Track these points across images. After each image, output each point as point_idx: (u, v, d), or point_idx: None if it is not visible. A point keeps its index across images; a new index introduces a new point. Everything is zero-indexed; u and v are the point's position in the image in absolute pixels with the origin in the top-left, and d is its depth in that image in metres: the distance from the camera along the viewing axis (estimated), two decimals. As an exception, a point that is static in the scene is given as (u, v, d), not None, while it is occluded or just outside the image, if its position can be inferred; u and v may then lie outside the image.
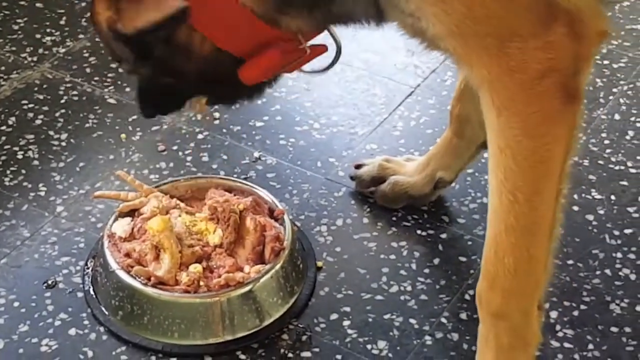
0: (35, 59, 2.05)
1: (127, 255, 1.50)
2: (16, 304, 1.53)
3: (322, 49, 1.39)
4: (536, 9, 1.12)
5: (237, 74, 1.33)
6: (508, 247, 1.23)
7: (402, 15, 1.19)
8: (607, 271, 1.53)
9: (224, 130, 1.85)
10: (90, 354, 1.45)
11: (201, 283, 1.46)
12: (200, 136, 1.84)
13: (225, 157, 1.79)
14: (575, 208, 1.63)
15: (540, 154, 1.18)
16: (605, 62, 1.95)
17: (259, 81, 1.38)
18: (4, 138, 1.85)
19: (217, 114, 1.88)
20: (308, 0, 1.27)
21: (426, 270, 1.55)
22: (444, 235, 1.61)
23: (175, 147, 1.82)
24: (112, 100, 1.94)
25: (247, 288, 1.46)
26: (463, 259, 1.57)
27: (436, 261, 1.57)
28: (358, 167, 1.72)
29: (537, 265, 1.25)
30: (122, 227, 1.54)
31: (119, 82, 1.98)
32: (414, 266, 1.56)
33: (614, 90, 1.89)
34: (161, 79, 1.38)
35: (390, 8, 1.21)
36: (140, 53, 1.31)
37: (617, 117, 1.82)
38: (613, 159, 1.74)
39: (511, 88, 1.15)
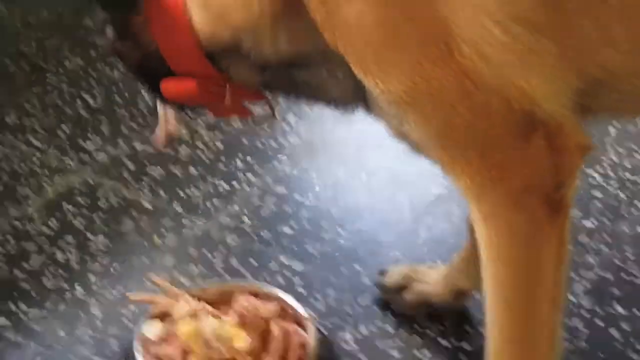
0: (77, 163, 2.16)
1: (158, 358, 1.55)
2: (49, 404, 1.59)
3: (246, 112, 1.44)
4: (514, 121, 1.14)
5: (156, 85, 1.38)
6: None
7: (387, 116, 1.22)
8: (630, 385, 1.56)
9: (253, 236, 1.92)
10: None
11: (227, 388, 1.51)
12: (230, 241, 1.91)
13: (253, 261, 1.86)
14: (600, 322, 1.66)
15: (530, 264, 1.20)
16: (629, 175, 2.00)
17: (173, 100, 1.41)
18: (44, 239, 1.94)
19: (246, 219, 1.96)
20: (260, 57, 1.27)
21: (448, 379, 1.59)
22: (467, 346, 1.64)
23: (205, 252, 1.89)
24: (147, 205, 2.03)
25: (270, 395, 1.50)
26: (485, 369, 1.61)
27: (458, 371, 1.61)
28: (382, 274, 1.77)
29: None
30: (153, 330, 1.60)
31: (154, 188, 2.07)
32: (435, 375, 1.60)
33: (637, 204, 1.93)
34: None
35: (374, 106, 1.23)
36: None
37: (639, 230, 1.87)
38: (636, 273, 1.77)
39: (495, 198, 1.17)
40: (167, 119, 1.52)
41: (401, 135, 1.23)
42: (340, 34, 1.14)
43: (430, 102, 1.13)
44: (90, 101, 2.37)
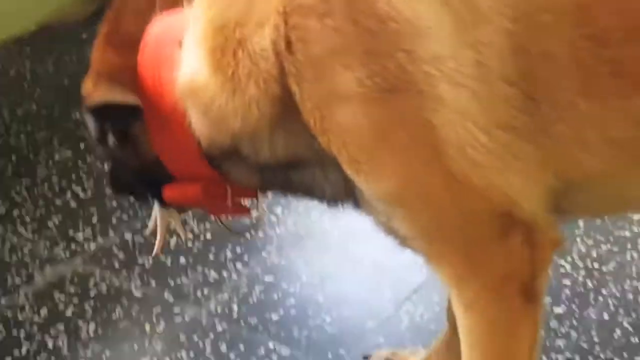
0: (67, 253, 2.21)
1: None
2: None
3: (245, 210, 1.50)
4: (495, 220, 1.22)
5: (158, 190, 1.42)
6: None
7: (375, 212, 1.28)
8: None
9: (242, 323, 1.98)
10: None
11: None
12: (219, 328, 1.97)
13: (242, 347, 1.91)
14: (571, 403, 1.74)
15: (507, 348, 1.27)
16: (596, 265, 2.11)
17: (177, 205, 1.47)
18: (35, 328, 1.98)
19: (235, 307, 2.02)
20: (259, 160, 1.31)
21: None
22: None
23: (195, 338, 1.94)
24: (138, 294, 2.08)
25: None
26: None
27: None
28: (366, 358, 1.82)
29: None
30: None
31: (145, 277, 2.13)
32: None
33: (603, 291, 2.03)
34: (114, 162, 1.50)
35: (364, 202, 1.28)
36: (98, 132, 1.41)
37: (605, 316, 1.96)
38: (602, 356, 1.85)
39: (475, 288, 1.25)
40: (162, 224, 1.56)
41: (388, 229, 1.30)
42: (333, 136, 1.21)
43: (418, 201, 1.22)
44: (80, 193, 2.44)
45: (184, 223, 2.29)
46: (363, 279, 2.10)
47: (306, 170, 1.32)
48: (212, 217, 1.63)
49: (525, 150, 1.20)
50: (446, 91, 1.17)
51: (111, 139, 1.42)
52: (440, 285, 2.02)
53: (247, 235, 2.23)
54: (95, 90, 1.37)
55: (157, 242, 1.58)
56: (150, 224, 1.60)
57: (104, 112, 1.38)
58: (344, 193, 1.32)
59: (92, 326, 1.98)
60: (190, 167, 1.37)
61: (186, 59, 1.31)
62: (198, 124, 1.32)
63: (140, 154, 1.41)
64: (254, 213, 1.63)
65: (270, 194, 1.50)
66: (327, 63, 1.19)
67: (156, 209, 1.57)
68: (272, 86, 1.23)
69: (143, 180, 1.46)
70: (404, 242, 1.31)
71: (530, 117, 1.19)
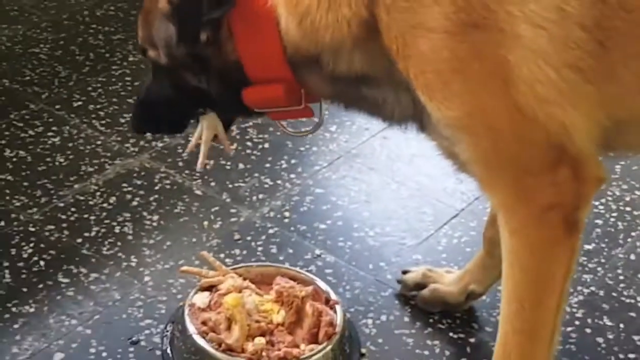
0: (136, 149, 2.39)
1: (204, 323, 1.77)
2: (104, 354, 1.81)
3: (310, 112, 1.58)
4: (548, 152, 1.35)
5: (241, 93, 1.50)
6: (514, 347, 1.48)
7: (439, 138, 1.41)
8: (611, 387, 1.78)
9: (292, 229, 2.14)
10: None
11: (263, 354, 1.72)
12: (270, 231, 2.14)
13: (291, 251, 2.08)
14: (588, 330, 1.88)
15: (544, 273, 1.42)
16: (627, 208, 2.22)
17: (255, 107, 1.54)
18: (104, 214, 2.17)
19: (287, 214, 2.18)
20: (335, 71, 1.42)
21: (455, 368, 1.81)
22: (472, 340, 1.86)
23: (248, 238, 2.11)
24: (198, 192, 2.26)
25: (300, 364, 1.72)
26: (487, 361, 1.83)
27: (464, 361, 1.83)
28: (404, 272, 1.98)
29: None
30: (201, 299, 1.82)
31: (206, 177, 2.30)
32: (444, 362, 1.82)
33: (632, 233, 2.15)
34: (180, 76, 1.54)
35: (430, 129, 1.41)
36: (183, 31, 1.44)
37: (632, 257, 2.08)
38: (625, 293, 1.99)
39: (522, 215, 1.39)
40: (208, 137, 1.69)
41: (449, 154, 1.43)
42: (412, 63, 1.34)
43: (483, 129, 1.34)
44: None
45: (245, 131, 2.45)
46: (406, 199, 2.24)
47: (379, 88, 1.43)
48: (277, 121, 1.72)
49: (587, 91, 1.33)
50: (525, 31, 1.29)
51: (204, 34, 1.45)
52: (479, 213, 2.18)
53: (302, 148, 2.39)
54: None
55: (201, 155, 1.73)
56: (193, 140, 1.74)
57: (187, 11, 1.43)
58: (411, 116, 1.44)
59: (155, 217, 2.16)
60: (272, 71, 1.46)
61: None
62: (290, 31, 1.42)
63: (222, 53, 1.48)
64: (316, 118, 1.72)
65: (334, 105, 1.58)
66: None
67: (202, 124, 1.70)
68: (361, 10, 1.35)
69: (221, 80, 1.51)
70: (462, 167, 1.44)
71: (597, 62, 1.32)
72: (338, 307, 1.81)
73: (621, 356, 1.83)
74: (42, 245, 2.06)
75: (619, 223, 2.17)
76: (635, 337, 1.88)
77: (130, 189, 2.26)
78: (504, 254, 1.45)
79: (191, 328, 1.76)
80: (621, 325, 1.90)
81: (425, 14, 1.31)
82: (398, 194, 2.27)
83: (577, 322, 1.90)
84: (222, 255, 2.05)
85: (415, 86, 1.36)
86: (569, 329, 1.88)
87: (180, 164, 2.35)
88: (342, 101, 1.53)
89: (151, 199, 2.23)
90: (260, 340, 1.74)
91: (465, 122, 1.35)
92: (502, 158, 1.37)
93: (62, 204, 2.19)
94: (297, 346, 1.75)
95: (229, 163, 2.34)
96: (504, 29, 1.29)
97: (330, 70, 1.44)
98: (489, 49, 1.31)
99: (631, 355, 1.84)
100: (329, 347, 1.75)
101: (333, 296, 1.84)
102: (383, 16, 1.34)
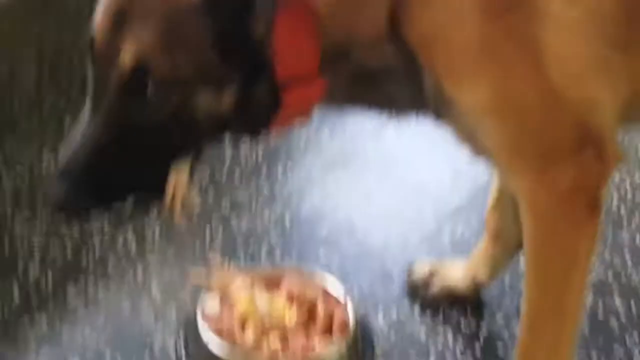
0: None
1: (218, 330, 1.75)
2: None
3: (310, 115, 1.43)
4: (574, 133, 1.36)
5: (278, 99, 1.30)
6: (539, 334, 1.48)
7: (460, 124, 1.38)
8: (626, 367, 1.79)
9: (294, 232, 2.13)
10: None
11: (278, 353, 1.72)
12: (273, 236, 2.12)
13: (295, 254, 2.07)
14: (600, 313, 1.90)
15: (569, 255, 1.43)
16: (629, 194, 2.24)
17: (291, 114, 1.35)
18: (106, 228, 2.16)
19: (288, 217, 2.18)
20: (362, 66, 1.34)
21: (469, 358, 1.81)
22: (484, 329, 1.87)
23: (251, 244, 2.09)
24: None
25: (315, 365, 1.72)
26: (501, 350, 1.83)
27: (477, 353, 1.83)
28: (410, 267, 1.99)
29: (564, 351, 1.50)
30: (212, 303, 1.81)
31: (203, 185, 2.29)
32: (458, 354, 1.82)
33: (635, 217, 2.17)
34: (194, 94, 1.24)
35: (450, 116, 1.38)
36: (227, 28, 1.20)
37: (637, 240, 2.10)
38: (634, 275, 2.00)
39: (546, 199, 1.39)
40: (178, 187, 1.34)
41: (470, 140, 1.41)
42: (440, 49, 1.31)
43: (511, 111, 1.33)
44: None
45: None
46: (406, 197, 2.25)
47: (398, 80, 1.38)
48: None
49: (617, 65, 1.33)
50: (559, 9, 1.28)
51: (258, 28, 1.25)
52: (480, 205, 2.19)
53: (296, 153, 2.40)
54: None
55: (178, 206, 1.38)
56: (169, 193, 1.34)
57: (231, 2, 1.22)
58: (427, 105, 1.40)
59: (157, 229, 2.15)
60: (305, 68, 1.31)
61: None
62: (326, 26, 1.31)
63: (262, 51, 1.28)
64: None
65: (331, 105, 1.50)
66: None
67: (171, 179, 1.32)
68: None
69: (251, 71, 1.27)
70: (482, 152, 1.41)
71: (628, 35, 1.33)
72: (349, 305, 1.81)
73: (634, 334, 1.85)
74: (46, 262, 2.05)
75: (622, 206, 2.20)
76: (647, 317, 1.91)
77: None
78: (526, 240, 1.45)
79: (205, 333, 1.75)
80: (633, 306, 1.92)
81: None
82: (397, 192, 2.27)
83: (588, 305, 1.90)
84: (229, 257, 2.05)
85: (440, 73, 1.33)
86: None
87: (178, 175, 2.34)
88: (352, 99, 1.45)
89: (150, 214, 2.21)
90: (274, 340, 1.74)
91: (494, 106, 1.33)
92: (529, 141, 1.37)
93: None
94: (311, 345, 1.75)
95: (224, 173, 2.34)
96: (538, 7, 1.29)
97: (357, 66, 1.37)
98: (521, 28, 1.30)
99: (644, 334, 1.86)
100: (343, 345, 1.75)
101: (343, 294, 1.84)
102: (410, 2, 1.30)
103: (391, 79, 1.40)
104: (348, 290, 1.92)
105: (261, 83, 1.29)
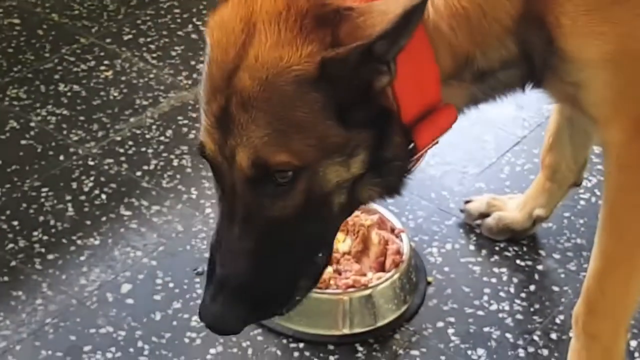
0: (190, 82, 2.36)
1: (270, 252, 1.77)
2: (171, 284, 1.82)
3: None
4: None
5: (411, 145, 1.24)
6: (610, 280, 1.46)
7: (562, 84, 1.34)
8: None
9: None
10: (231, 332, 1.73)
11: (331, 282, 1.72)
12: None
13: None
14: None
15: None
16: None
17: (426, 146, 1.29)
18: (162, 147, 2.16)
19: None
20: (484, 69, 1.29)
21: (523, 295, 1.79)
22: (540, 267, 1.85)
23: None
24: (255, 124, 2.24)
25: (368, 292, 1.71)
26: (556, 288, 1.80)
27: (532, 288, 1.80)
28: (468, 201, 1.96)
29: (632, 296, 1.48)
30: (266, 229, 1.82)
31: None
32: (512, 290, 1.80)
33: None
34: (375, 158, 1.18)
35: (552, 80, 1.34)
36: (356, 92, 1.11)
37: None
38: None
39: (636, 150, 1.36)
40: None
41: (570, 99, 1.35)
42: (566, 8, 1.23)
43: (627, 61, 1.29)
44: (200, 24, 2.56)
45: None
46: (467, 128, 2.20)
47: (513, 64, 1.32)
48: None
49: None
50: None
51: (381, 79, 1.15)
52: (541, 139, 2.14)
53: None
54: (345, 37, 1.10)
55: None
56: None
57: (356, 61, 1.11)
58: (532, 77, 1.34)
59: (213, 150, 2.15)
60: (430, 98, 1.24)
61: None
62: (443, 44, 1.23)
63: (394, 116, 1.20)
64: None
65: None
66: None
67: None
68: None
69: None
70: (581, 109, 1.35)
71: None
72: (404, 236, 1.80)
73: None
74: (102, 179, 2.06)
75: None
76: None
77: (185, 121, 2.24)
78: (608, 191, 1.42)
79: (257, 258, 1.76)
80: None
81: None
82: (459, 122, 2.20)
83: None
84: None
85: (567, 32, 1.25)
86: None
87: (235, 95, 2.32)
88: (475, 102, 1.39)
89: (208, 131, 2.21)
90: (327, 269, 1.73)
91: (612, 57, 1.28)
92: (634, 92, 1.33)
93: (119, 138, 2.18)
94: (365, 274, 1.74)
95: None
96: None
97: (482, 68, 1.30)
98: None
99: None
100: (397, 275, 1.74)
101: (398, 225, 1.83)
102: None
103: (508, 66, 1.32)
104: (403, 222, 1.91)
105: (390, 136, 1.20)
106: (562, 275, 1.83)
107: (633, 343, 1.68)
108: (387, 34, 1.10)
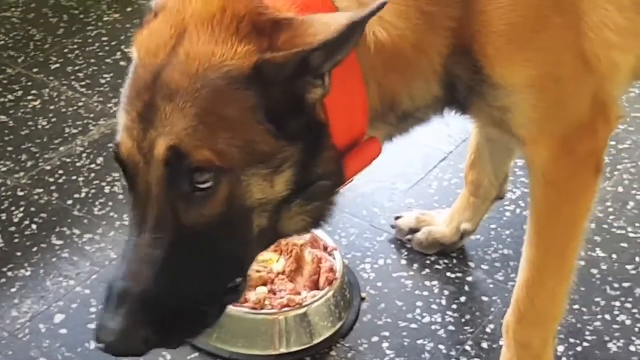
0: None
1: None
2: (106, 312, 1.81)
3: None
4: (591, 103, 1.38)
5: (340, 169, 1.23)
6: (539, 290, 1.51)
7: (490, 109, 1.37)
8: (607, 316, 1.81)
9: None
10: (168, 357, 1.72)
11: (266, 302, 1.73)
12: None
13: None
14: (582, 263, 1.91)
15: (575, 216, 1.46)
16: (612, 143, 2.25)
17: (352, 177, 1.31)
18: (93, 175, 2.15)
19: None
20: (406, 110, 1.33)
21: (454, 306, 1.83)
22: (469, 279, 1.89)
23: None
24: (186, 149, 2.25)
25: (303, 310, 1.73)
26: (485, 299, 1.85)
27: (462, 299, 1.85)
28: (398, 217, 2.00)
29: (560, 304, 1.53)
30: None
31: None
32: (443, 302, 1.84)
33: (619, 167, 2.19)
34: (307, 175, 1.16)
35: (479, 105, 1.37)
36: (292, 101, 1.09)
37: (620, 189, 2.12)
38: (616, 225, 2.03)
39: (563, 166, 1.41)
40: None
41: (497, 123, 1.39)
42: (494, 38, 1.28)
43: (549, 84, 1.34)
44: (129, 52, 2.56)
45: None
46: (396, 145, 2.23)
47: (434, 105, 1.37)
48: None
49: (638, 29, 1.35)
50: None
51: (314, 92, 1.13)
52: (467, 154, 2.20)
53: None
54: (284, 43, 1.09)
55: None
56: None
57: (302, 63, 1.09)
58: (456, 104, 1.39)
59: (145, 176, 2.16)
60: (361, 129, 1.24)
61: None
62: (373, 77, 1.23)
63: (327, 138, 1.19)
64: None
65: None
66: None
67: None
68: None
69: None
70: (508, 131, 1.39)
71: None
72: (337, 253, 1.83)
73: (616, 285, 1.87)
74: (32, 209, 2.05)
75: (605, 158, 2.19)
76: (629, 267, 1.92)
77: (116, 149, 2.24)
78: (534, 205, 1.46)
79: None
80: (614, 256, 1.95)
81: None
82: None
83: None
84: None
85: (488, 62, 1.30)
86: (564, 262, 1.93)
87: (166, 121, 2.33)
88: (390, 138, 1.43)
89: (139, 157, 2.21)
90: (262, 290, 1.75)
91: (537, 82, 1.33)
92: (557, 113, 1.37)
93: (49, 167, 2.17)
94: (299, 293, 1.76)
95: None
96: None
97: (403, 113, 1.33)
98: (567, 1, 1.30)
99: (625, 284, 1.88)
100: (331, 293, 1.76)
101: (331, 243, 1.86)
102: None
103: (428, 108, 1.37)
104: (335, 239, 1.94)
105: (322, 150, 1.17)
106: (491, 286, 1.88)
107: (560, 348, 1.74)
108: (329, 44, 1.08)
